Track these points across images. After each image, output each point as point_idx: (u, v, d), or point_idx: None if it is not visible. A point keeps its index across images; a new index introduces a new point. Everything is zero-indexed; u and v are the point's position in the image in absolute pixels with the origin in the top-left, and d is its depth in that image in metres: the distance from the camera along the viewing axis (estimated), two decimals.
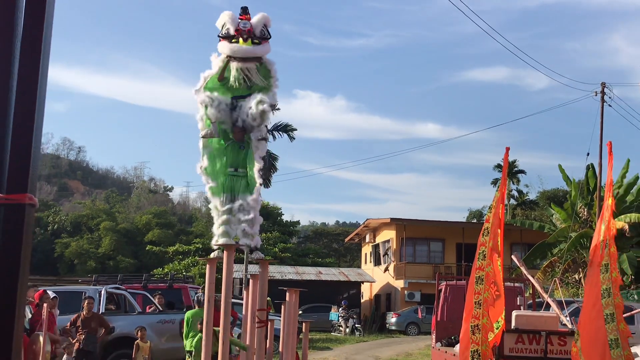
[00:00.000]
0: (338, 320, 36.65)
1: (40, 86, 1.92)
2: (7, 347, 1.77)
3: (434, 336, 16.00)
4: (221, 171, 8.27)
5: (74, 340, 13.08)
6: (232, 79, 7.94)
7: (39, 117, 1.91)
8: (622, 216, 32.69)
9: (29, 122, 1.89)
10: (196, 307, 13.06)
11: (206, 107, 7.95)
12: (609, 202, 8.81)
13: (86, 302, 13.75)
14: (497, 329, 9.14)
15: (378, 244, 48.15)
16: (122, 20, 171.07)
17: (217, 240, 8.29)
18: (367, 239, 50.69)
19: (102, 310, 15.09)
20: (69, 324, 13.29)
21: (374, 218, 46.88)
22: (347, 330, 35.39)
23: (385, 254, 46.24)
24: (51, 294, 12.87)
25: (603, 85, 33.99)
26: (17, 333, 1.82)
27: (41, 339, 10.31)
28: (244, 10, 8.29)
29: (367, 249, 52.28)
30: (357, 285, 44.50)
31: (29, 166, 1.89)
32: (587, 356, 8.29)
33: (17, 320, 1.82)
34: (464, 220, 62.01)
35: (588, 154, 34.76)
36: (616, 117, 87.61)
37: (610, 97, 33.73)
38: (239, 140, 8.21)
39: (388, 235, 45.64)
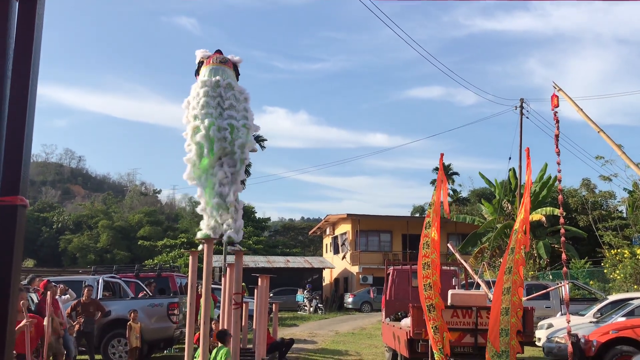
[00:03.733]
0: (303, 301, 36.56)
1: (29, 102, 1.84)
2: (0, 338, 1.68)
3: (383, 312, 16.01)
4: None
5: (75, 323, 12.86)
6: None
7: (28, 128, 1.84)
8: (540, 209, 33.02)
9: (20, 133, 1.81)
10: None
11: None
12: (526, 199, 9.09)
13: (86, 289, 13.53)
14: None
15: (337, 236, 48.15)
16: (114, 46, 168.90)
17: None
18: (328, 232, 50.64)
19: (99, 296, 14.86)
20: (69, 309, 13.04)
21: (333, 214, 46.89)
22: (311, 309, 35.33)
23: (343, 244, 46.26)
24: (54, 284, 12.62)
25: (521, 101, 34.46)
26: (11, 324, 1.73)
27: (46, 321, 10.12)
28: None
29: (327, 240, 52.25)
30: (319, 271, 44.46)
31: (20, 172, 1.82)
32: (490, 319, 8.89)
33: (10, 311, 1.73)
34: (409, 214, 62.30)
35: (510, 158, 35.39)
36: (533, 127, 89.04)
37: (527, 111, 34.22)
38: None
39: (345, 228, 45.67)
